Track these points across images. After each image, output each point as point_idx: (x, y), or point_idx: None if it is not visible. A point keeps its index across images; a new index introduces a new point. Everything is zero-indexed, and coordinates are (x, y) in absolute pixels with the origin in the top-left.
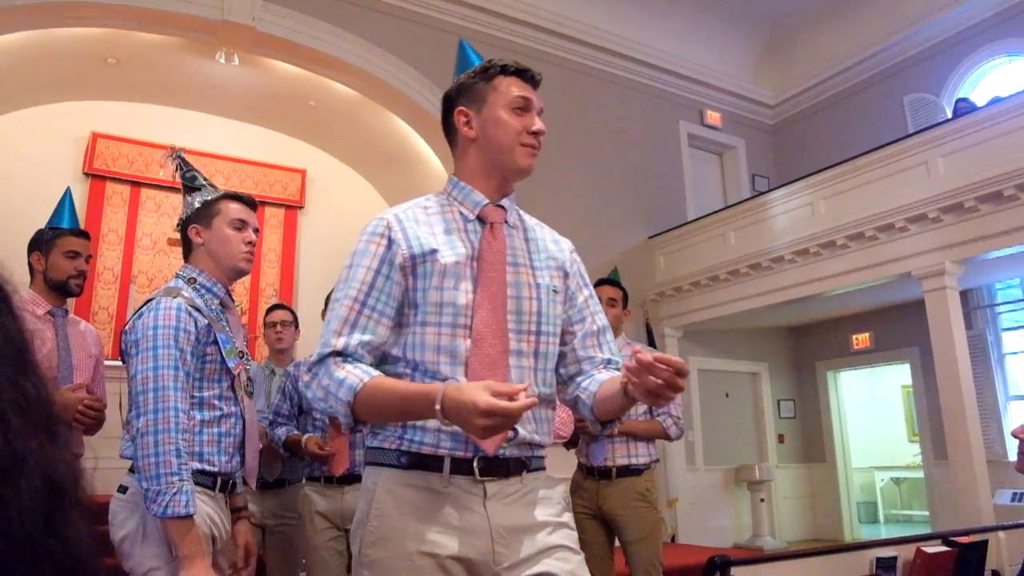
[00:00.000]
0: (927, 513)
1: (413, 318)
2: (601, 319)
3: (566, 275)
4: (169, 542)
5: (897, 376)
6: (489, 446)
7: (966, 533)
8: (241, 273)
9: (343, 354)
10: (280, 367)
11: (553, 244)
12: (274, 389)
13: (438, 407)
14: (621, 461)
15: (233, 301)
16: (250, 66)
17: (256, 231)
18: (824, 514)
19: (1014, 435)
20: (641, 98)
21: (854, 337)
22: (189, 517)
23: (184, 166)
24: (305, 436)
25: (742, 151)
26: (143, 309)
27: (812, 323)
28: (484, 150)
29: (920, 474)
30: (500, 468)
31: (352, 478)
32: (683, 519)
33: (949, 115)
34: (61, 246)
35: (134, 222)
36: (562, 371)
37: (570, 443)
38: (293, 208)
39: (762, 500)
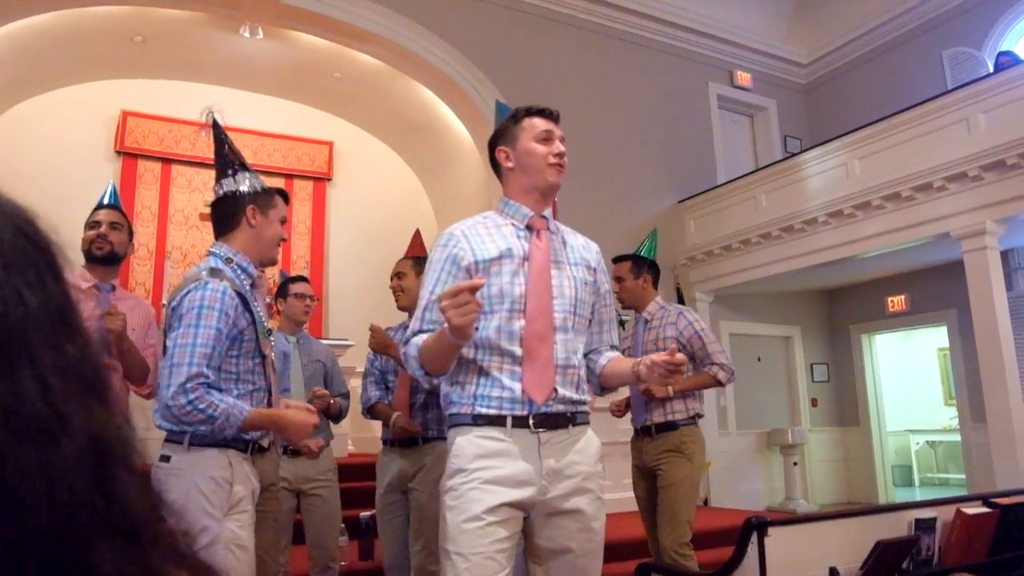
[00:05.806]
0: (963, 476)
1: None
2: (611, 311)
3: (594, 271)
4: (259, 429)
5: (933, 339)
6: (539, 398)
7: (1007, 495)
8: (272, 263)
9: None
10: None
11: (583, 247)
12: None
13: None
14: (659, 419)
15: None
16: (274, 39)
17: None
18: (858, 477)
19: None
20: (669, 60)
21: (889, 300)
22: (245, 415)
23: (219, 131)
24: (394, 415)
25: (774, 112)
26: (191, 287)
27: (846, 286)
28: (522, 175)
29: (956, 437)
30: (549, 421)
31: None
32: (715, 483)
33: (991, 69)
34: (87, 221)
35: (166, 198)
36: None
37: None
38: (322, 180)
39: (795, 464)
